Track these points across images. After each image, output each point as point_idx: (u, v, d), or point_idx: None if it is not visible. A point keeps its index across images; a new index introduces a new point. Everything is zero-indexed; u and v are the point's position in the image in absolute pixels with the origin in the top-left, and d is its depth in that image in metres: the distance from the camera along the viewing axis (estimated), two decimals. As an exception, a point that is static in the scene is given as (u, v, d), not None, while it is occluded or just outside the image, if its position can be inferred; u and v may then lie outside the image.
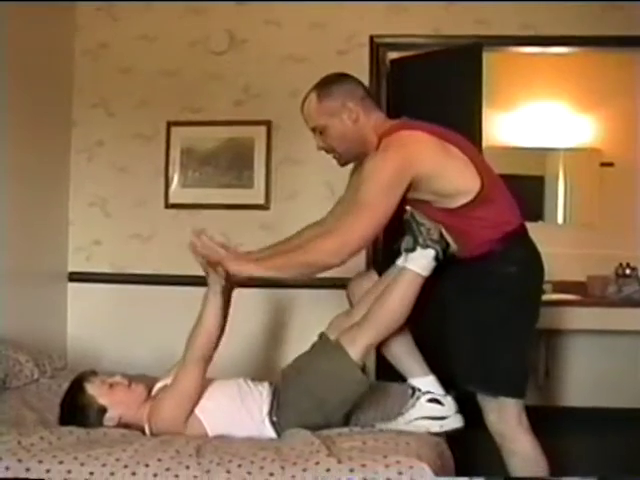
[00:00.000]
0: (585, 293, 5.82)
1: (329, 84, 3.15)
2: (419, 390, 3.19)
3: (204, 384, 3.06)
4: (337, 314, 3.35)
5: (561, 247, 5.99)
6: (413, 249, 3.03)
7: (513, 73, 5.91)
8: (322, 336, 3.22)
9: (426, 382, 3.21)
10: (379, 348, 3.30)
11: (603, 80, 5.99)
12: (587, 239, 6.04)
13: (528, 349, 3.14)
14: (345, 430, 2.98)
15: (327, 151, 3.24)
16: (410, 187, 2.95)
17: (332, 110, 3.09)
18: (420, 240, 3.02)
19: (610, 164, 6.08)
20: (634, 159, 5.97)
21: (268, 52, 5.08)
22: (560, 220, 6.28)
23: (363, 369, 3.07)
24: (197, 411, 3.00)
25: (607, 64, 5.85)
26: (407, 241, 3.07)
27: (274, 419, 3.02)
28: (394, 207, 2.92)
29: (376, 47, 5.05)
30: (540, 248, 5.88)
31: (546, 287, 5.77)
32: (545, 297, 5.64)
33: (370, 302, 3.15)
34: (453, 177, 2.99)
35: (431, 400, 3.17)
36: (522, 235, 3.12)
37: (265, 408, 3.05)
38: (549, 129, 6.19)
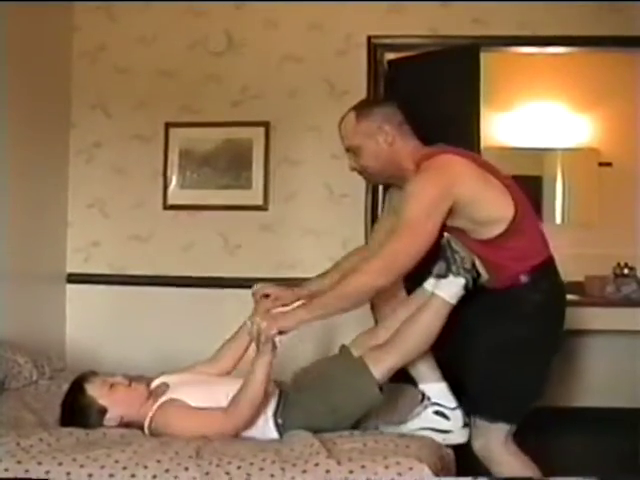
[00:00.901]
0: (583, 293, 5.81)
1: (369, 106, 3.22)
2: (428, 399, 3.19)
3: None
4: (360, 332, 3.33)
5: (559, 247, 5.94)
6: (445, 276, 3.03)
7: (511, 73, 5.92)
8: (343, 349, 3.21)
9: (437, 390, 3.19)
10: None
11: (601, 80, 6.00)
12: (585, 239, 6.04)
13: (543, 378, 3.12)
14: (345, 432, 2.97)
15: (359, 172, 3.26)
16: (449, 212, 2.95)
17: (369, 131, 3.11)
18: (453, 268, 3.01)
19: (608, 164, 6.09)
20: (632, 159, 5.96)
21: (266, 53, 5.08)
22: (558, 220, 6.29)
23: (381, 388, 3.05)
24: None
25: (605, 64, 5.86)
26: (440, 267, 3.06)
27: (279, 421, 3.00)
28: (438, 227, 2.92)
29: (374, 48, 5.06)
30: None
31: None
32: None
33: (395, 323, 3.14)
34: (491, 204, 2.99)
35: (437, 412, 3.17)
36: (550, 266, 3.11)
37: (270, 409, 3.03)
38: (547, 129, 6.19)
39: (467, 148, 4.57)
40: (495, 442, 3.04)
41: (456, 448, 3.12)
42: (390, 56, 5.17)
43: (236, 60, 5.11)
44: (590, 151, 6.16)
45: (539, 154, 6.26)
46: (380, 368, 3.00)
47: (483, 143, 4.91)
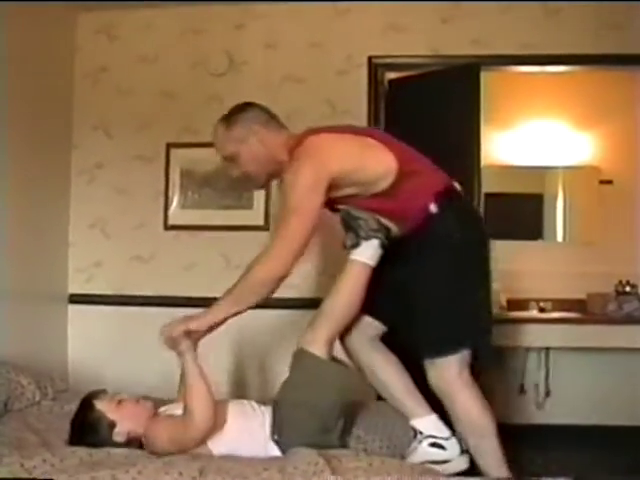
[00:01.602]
0: (585, 311, 5.81)
1: (235, 113, 3.30)
2: (421, 433, 3.21)
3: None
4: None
5: (561, 265, 5.99)
6: (357, 244, 3.14)
7: (511, 92, 5.93)
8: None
9: (428, 423, 3.26)
10: (379, 392, 3.35)
11: (602, 98, 6.00)
12: (587, 257, 6.03)
13: (479, 302, 3.18)
14: (351, 452, 2.96)
15: (243, 179, 3.37)
16: (335, 186, 3.08)
17: (240, 136, 3.24)
18: (362, 233, 3.12)
19: (609, 182, 6.07)
20: (633, 176, 5.97)
21: (267, 74, 5.10)
22: (560, 238, 6.28)
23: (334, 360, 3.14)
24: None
25: (606, 82, 5.86)
26: (350, 238, 3.17)
27: (275, 437, 3.01)
28: (320, 205, 3.05)
29: (374, 67, 5.07)
30: (540, 266, 5.92)
31: (546, 305, 5.79)
32: (545, 315, 5.67)
33: None
34: (371, 163, 3.12)
35: (433, 444, 3.18)
36: (454, 192, 3.21)
37: (268, 429, 3.04)
38: (548, 147, 6.19)
39: (468, 167, 4.61)
40: (449, 373, 3.10)
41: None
42: (391, 75, 5.19)
43: (237, 81, 5.13)
44: (591, 169, 6.16)
45: (540, 172, 6.25)
46: (318, 345, 3.08)
47: (484, 162, 4.93)
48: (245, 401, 3.21)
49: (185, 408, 2.95)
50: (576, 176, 6.24)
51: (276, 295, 3.20)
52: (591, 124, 6.16)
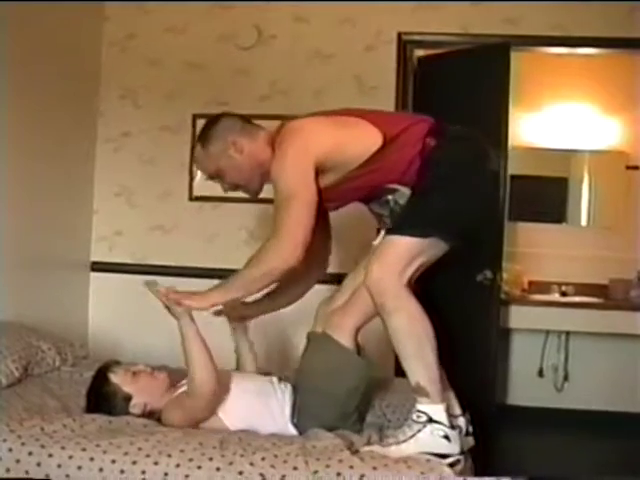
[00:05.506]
0: (607, 296, 5.81)
1: (207, 130, 3.18)
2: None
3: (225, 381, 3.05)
4: (320, 303, 3.36)
5: (583, 249, 5.98)
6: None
7: (540, 73, 5.89)
8: (310, 336, 3.24)
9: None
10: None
11: (631, 82, 5.93)
12: (610, 242, 6.01)
13: (461, 208, 2.96)
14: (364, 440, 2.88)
15: (234, 190, 3.32)
16: (329, 172, 3.02)
17: (218, 152, 3.13)
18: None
19: (636, 167, 6.04)
20: (660, 163, 5.95)
21: (296, 48, 5.08)
22: (583, 222, 6.26)
23: (359, 352, 3.07)
24: (220, 413, 2.99)
25: (635, 66, 5.80)
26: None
27: (294, 421, 3.01)
28: (314, 188, 2.96)
29: (403, 44, 5.05)
30: (562, 250, 5.90)
31: (568, 289, 5.78)
32: (566, 299, 5.66)
33: (350, 282, 3.23)
34: (358, 138, 3.02)
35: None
36: (443, 129, 3.04)
37: (287, 409, 3.04)
38: (575, 130, 6.16)
39: (495, 148, 4.58)
40: (392, 263, 2.87)
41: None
42: (420, 53, 5.17)
43: (265, 54, 5.12)
44: (618, 154, 6.13)
45: (566, 155, 6.22)
46: (344, 333, 3.03)
47: (511, 142, 4.91)
48: (267, 377, 3.20)
49: (188, 379, 2.91)
50: (602, 160, 6.21)
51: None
52: (619, 109, 6.11)
